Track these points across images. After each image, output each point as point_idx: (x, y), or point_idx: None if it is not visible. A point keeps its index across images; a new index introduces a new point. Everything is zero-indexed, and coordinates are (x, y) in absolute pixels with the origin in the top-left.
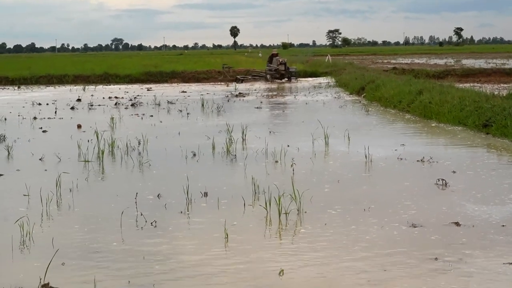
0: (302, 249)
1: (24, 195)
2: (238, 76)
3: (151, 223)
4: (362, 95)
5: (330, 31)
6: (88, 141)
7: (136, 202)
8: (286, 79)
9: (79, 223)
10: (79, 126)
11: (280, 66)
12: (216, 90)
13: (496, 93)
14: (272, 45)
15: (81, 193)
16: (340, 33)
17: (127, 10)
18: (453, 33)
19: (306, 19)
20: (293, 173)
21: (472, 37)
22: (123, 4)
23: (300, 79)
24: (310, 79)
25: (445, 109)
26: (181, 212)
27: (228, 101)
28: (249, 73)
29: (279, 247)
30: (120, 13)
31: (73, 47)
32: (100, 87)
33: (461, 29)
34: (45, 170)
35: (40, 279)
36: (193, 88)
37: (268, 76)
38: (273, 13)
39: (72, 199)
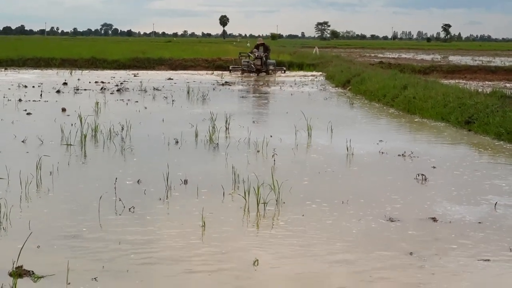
0: (278, 239)
1: (1, 178)
2: (231, 67)
3: (129, 209)
4: (348, 88)
5: (319, 23)
6: (72, 125)
7: (115, 188)
8: (264, 73)
9: (57, 206)
10: (63, 110)
11: (256, 60)
12: (202, 78)
13: (480, 90)
14: (261, 35)
15: (61, 177)
16: (329, 26)
17: None
18: (441, 30)
19: (295, 10)
20: (274, 164)
21: (460, 34)
22: None
23: (288, 72)
24: (298, 72)
25: (428, 104)
26: (160, 199)
27: (214, 89)
28: (234, 62)
29: (255, 237)
30: None
31: (62, 31)
32: (87, 71)
33: (449, 26)
34: (27, 152)
35: (13, 261)
36: (180, 76)
37: (243, 68)
38: (263, 3)
39: (51, 183)
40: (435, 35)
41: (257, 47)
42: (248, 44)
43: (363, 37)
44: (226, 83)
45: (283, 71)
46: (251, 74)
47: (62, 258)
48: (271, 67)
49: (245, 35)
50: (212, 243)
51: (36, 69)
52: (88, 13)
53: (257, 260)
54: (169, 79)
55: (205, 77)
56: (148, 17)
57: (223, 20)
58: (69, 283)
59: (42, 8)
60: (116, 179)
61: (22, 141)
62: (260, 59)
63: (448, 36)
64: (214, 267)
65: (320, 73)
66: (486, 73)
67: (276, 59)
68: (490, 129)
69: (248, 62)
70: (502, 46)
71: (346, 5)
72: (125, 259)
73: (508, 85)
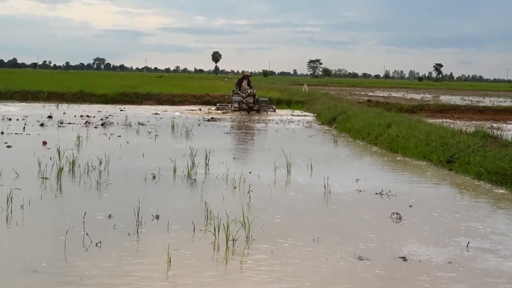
0: (243, 277)
1: None
2: (217, 104)
3: (96, 244)
4: (333, 126)
5: (311, 61)
6: (51, 158)
7: (84, 222)
8: (255, 111)
9: (23, 239)
10: (44, 143)
11: (249, 98)
12: (189, 113)
13: (464, 129)
14: (253, 72)
15: (33, 210)
16: (321, 63)
17: (111, 30)
18: (433, 69)
19: (288, 47)
20: (249, 200)
21: (451, 73)
22: (108, 24)
23: (279, 110)
24: (288, 111)
25: (411, 143)
26: (129, 234)
27: (199, 125)
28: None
29: (221, 274)
30: (104, 33)
31: (55, 65)
32: (74, 105)
33: (441, 65)
34: (0, 185)
35: None
36: (167, 111)
37: (233, 105)
38: (256, 40)
39: (22, 216)
40: (427, 75)
41: (240, 80)
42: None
43: (355, 75)
44: (212, 119)
45: (273, 110)
46: (242, 112)
47: None
48: (263, 105)
49: (237, 71)
50: (176, 280)
51: (23, 102)
52: (81, 47)
53: None
54: (156, 113)
55: (192, 112)
56: (140, 52)
57: (216, 56)
58: None
59: (34, 41)
60: (86, 213)
61: None
62: (252, 96)
63: (440, 75)
64: None
65: (307, 110)
66: (473, 113)
67: (265, 96)
68: (470, 169)
69: (239, 99)
70: (493, 87)
71: (339, 43)
72: None
73: (494, 124)
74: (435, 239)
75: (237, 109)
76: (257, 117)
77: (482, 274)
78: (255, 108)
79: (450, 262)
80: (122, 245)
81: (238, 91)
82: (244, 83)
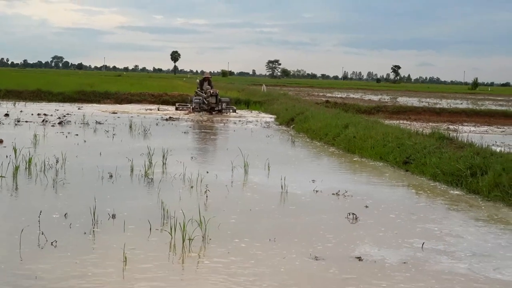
0: (199, 276)
1: None
2: (177, 104)
3: (52, 242)
4: (291, 126)
5: (270, 61)
6: (7, 156)
7: (39, 221)
8: (217, 112)
9: None
10: (0, 141)
11: (211, 98)
12: (147, 113)
13: (420, 131)
14: (212, 72)
15: None
16: (280, 64)
17: (69, 28)
18: (391, 71)
19: (247, 47)
20: (206, 200)
21: (409, 75)
22: (66, 22)
23: (238, 110)
24: (249, 112)
25: (368, 144)
26: (85, 233)
27: (157, 124)
28: (183, 99)
29: (177, 274)
30: (62, 31)
31: (12, 62)
32: (31, 103)
33: (399, 67)
34: None
35: None
36: (125, 110)
37: (193, 106)
38: (216, 40)
39: None
40: (385, 76)
41: (201, 82)
42: (198, 80)
43: (313, 76)
44: (170, 118)
45: (233, 110)
46: (202, 113)
47: None
48: (224, 105)
49: (196, 71)
50: (132, 279)
51: None
52: (39, 45)
53: None
54: (113, 112)
55: (150, 111)
56: (99, 51)
57: (174, 56)
58: None
59: None
60: (41, 212)
61: None
62: (215, 96)
63: (398, 77)
64: None
65: (265, 110)
66: (430, 115)
67: (224, 96)
68: (426, 170)
69: (199, 99)
70: (450, 89)
71: (298, 44)
72: None
73: (451, 126)
74: (391, 239)
75: (197, 109)
76: (218, 118)
77: (436, 275)
78: (217, 109)
79: (405, 263)
80: (77, 244)
81: (199, 92)
82: (205, 84)
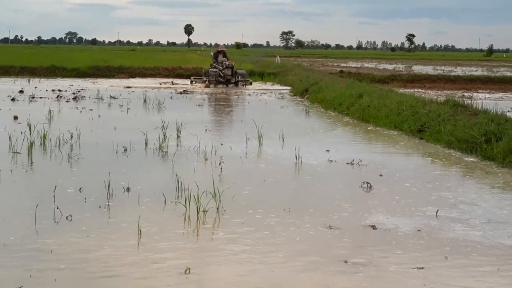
0: (214, 247)
1: None
2: (192, 78)
3: (67, 217)
4: (306, 97)
5: (283, 33)
6: (22, 132)
7: (54, 196)
8: (233, 84)
9: None
10: (15, 118)
11: (227, 70)
12: (161, 86)
13: (434, 98)
14: (226, 44)
15: (3, 185)
16: (294, 35)
17: (82, 4)
18: (405, 39)
19: (260, 20)
20: (221, 172)
21: (424, 43)
22: None
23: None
24: (259, 83)
25: (382, 113)
26: (100, 207)
27: (171, 98)
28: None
29: (191, 245)
30: (75, 7)
31: (26, 39)
32: (45, 79)
33: (413, 36)
34: None
35: None
36: (139, 84)
37: (210, 79)
38: (228, 13)
39: None
40: (399, 45)
41: (216, 55)
42: (212, 53)
43: (328, 46)
44: (185, 91)
45: (249, 83)
46: (219, 86)
47: None
48: (240, 78)
49: (210, 44)
50: (146, 251)
51: None
52: (52, 22)
53: (189, 268)
54: (128, 87)
55: (164, 85)
56: (113, 26)
57: (188, 29)
58: None
59: (6, 16)
60: (56, 187)
61: None
62: (231, 68)
63: (412, 46)
64: (145, 274)
65: (280, 82)
66: (445, 82)
67: (238, 68)
68: (441, 138)
69: (215, 72)
70: (465, 56)
71: (312, 14)
72: (54, 269)
73: (465, 94)
74: (405, 208)
75: (214, 82)
76: (232, 90)
77: (451, 242)
78: (233, 81)
79: (419, 230)
80: (92, 218)
81: (215, 64)
82: (220, 57)
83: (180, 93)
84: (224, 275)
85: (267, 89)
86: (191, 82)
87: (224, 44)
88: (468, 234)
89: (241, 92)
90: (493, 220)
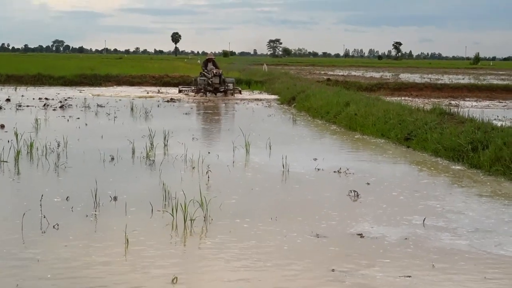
0: (201, 256)
1: None
2: (180, 87)
3: (54, 226)
4: (293, 105)
5: (271, 41)
6: (8, 141)
7: (41, 204)
8: (222, 93)
9: None
10: (2, 126)
11: (214, 78)
12: (148, 95)
13: (421, 107)
14: (214, 52)
15: None
16: (281, 43)
17: (69, 11)
18: (392, 47)
19: (248, 27)
20: (208, 181)
21: (411, 51)
22: (66, 5)
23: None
24: (248, 92)
25: (369, 121)
26: (87, 216)
27: (158, 106)
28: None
29: (179, 254)
30: (62, 14)
31: (13, 47)
32: (32, 88)
33: (400, 44)
34: None
35: None
36: (126, 92)
37: (198, 87)
38: (215, 21)
39: None
40: (386, 53)
41: (206, 63)
42: (199, 61)
43: (315, 54)
44: (172, 99)
45: (238, 91)
46: (208, 94)
47: None
48: (229, 86)
49: (197, 52)
50: (133, 260)
51: None
52: (39, 29)
53: (176, 277)
54: (115, 95)
55: (151, 94)
56: (100, 34)
57: (175, 37)
58: None
59: None
60: (42, 196)
61: None
62: (218, 76)
63: (399, 54)
64: (132, 285)
65: (267, 90)
66: (432, 90)
67: (226, 76)
68: (428, 146)
69: (204, 80)
70: (452, 64)
71: (298, 22)
72: (42, 277)
73: (452, 102)
74: (392, 216)
75: (202, 91)
76: (219, 98)
77: (437, 251)
78: (221, 90)
79: (406, 239)
80: (79, 227)
81: (204, 73)
82: (210, 65)
83: (167, 101)
84: (211, 284)
85: (256, 99)
86: (180, 91)
87: (212, 52)
88: (455, 243)
89: (228, 100)
90: (480, 229)
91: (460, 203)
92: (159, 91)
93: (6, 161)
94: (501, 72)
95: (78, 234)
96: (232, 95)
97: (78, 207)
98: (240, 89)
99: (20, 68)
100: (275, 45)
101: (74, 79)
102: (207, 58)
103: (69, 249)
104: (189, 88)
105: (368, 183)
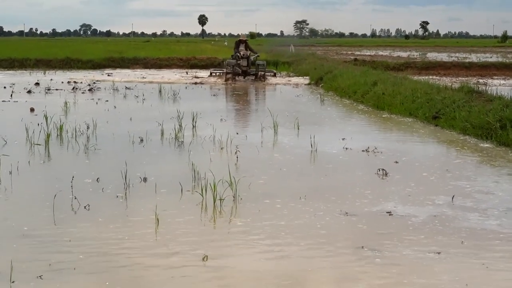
0: (230, 235)
1: None
2: (211, 70)
3: (85, 206)
4: (320, 85)
5: (297, 22)
6: (38, 124)
7: (72, 186)
8: (253, 77)
9: (12, 205)
10: (32, 110)
11: (242, 60)
12: (176, 77)
13: (449, 85)
14: (240, 34)
15: (21, 176)
16: (308, 24)
17: None
18: (419, 27)
19: (275, 9)
20: (237, 161)
21: (438, 31)
22: None
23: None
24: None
25: (397, 100)
26: (117, 197)
27: (186, 88)
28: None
29: (208, 233)
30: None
31: (41, 32)
32: (61, 71)
33: (427, 23)
34: None
35: None
36: (154, 75)
37: (226, 71)
38: (243, 3)
39: (10, 182)
40: (413, 33)
41: (237, 43)
42: (226, 43)
43: (342, 35)
44: (199, 82)
45: (272, 74)
46: (237, 78)
47: (8, 256)
48: (260, 69)
49: (224, 34)
50: (164, 239)
51: (9, 70)
52: (67, 14)
53: (206, 256)
54: (143, 78)
55: (179, 75)
56: (127, 17)
57: (202, 20)
58: (13, 282)
59: (20, 10)
60: (73, 177)
61: None
62: (246, 59)
63: (426, 33)
64: (164, 262)
65: (295, 71)
66: (459, 69)
67: (258, 60)
68: (456, 124)
69: (233, 62)
70: (479, 43)
71: (326, 3)
72: (74, 257)
73: (480, 80)
74: (420, 195)
75: (230, 74)
76: (248, 81)
77: (466, 230)
78: (251, 73)
79: (435, 216)
80: (110, 208)
81: (236, 55)
82: (241, 46)
83: (195, 83)
84: (241, 262)
85: (282, 78)
86: (210, 74)
87: (245, 34)
88: (484, 223)
89: (256, 81)
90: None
91: (491, 183)
92: (186, 73)
93: (39, 144)
94: None
95: (108, 214)
96: (262, 80)
97: (108, 189)
98: (274, 71)
99: (48, 52)
100: (301, 26)
101: (102, 62)
102: (239, 39)
103: (101, 229)
104: (221, 71)
105: (396, 162)
